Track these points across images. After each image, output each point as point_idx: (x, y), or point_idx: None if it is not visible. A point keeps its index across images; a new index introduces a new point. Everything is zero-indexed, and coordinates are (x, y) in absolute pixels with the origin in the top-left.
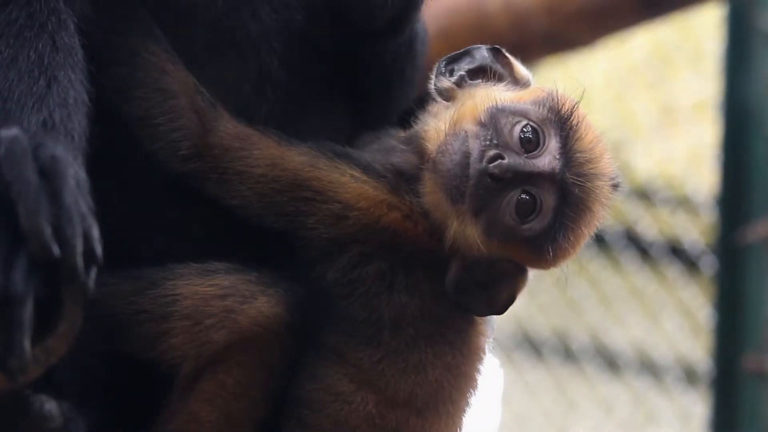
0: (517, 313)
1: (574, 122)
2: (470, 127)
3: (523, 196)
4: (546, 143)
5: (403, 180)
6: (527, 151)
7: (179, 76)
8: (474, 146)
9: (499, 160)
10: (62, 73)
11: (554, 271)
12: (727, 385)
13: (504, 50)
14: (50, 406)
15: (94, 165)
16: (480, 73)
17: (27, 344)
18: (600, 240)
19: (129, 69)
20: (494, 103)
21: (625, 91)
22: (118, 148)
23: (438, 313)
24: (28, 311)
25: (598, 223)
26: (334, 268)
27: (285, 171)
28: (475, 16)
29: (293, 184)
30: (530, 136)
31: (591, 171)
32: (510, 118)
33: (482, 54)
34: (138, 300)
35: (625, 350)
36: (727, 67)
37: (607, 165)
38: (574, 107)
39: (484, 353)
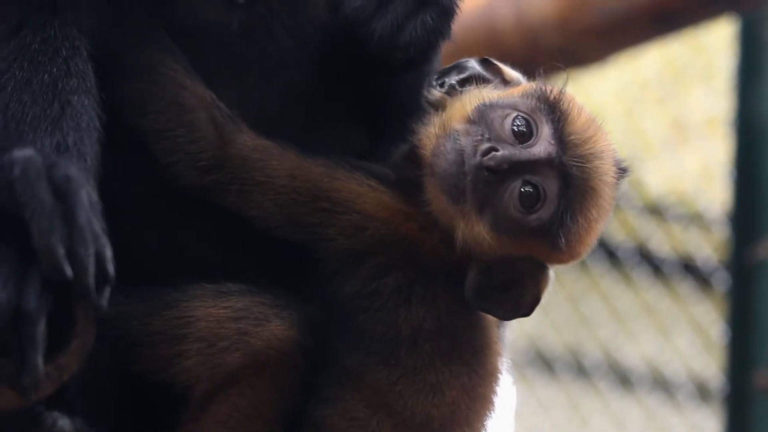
0: (529, 330)
1: (564, 106)
2: (460, 126)
3: (525, 186)
4: (539, 131)
5: (416, 191)
6: (521, 142)
7: (197, 91)
8: (466, 143)
9: (493, 152)
10: (75, 97)
11: (567, 287)
12: (740, 401)
13: (492, 59)
14: (63, 422)
15: (106, 187)
16: (470, 81)
17: (40, 361)
18: (612, 256)
19: (147, 84)
20: (482, 101)
21: (636, 107)
22: (131, 169)
23: (455, 331)
24: (41, 329)
25: (607, 206)
26: (352, 280)
27: (305, 182)
28: (487, 32)
29: (313, 194)
30: (522, 126)
31: (588, 151)
32: (499, 112)
33: (471, 65)
34: (152, 321)
35: (637, 366)
36: (739, 83)
37: (604, 144)
38: (561, 92)
39: (501, 374)
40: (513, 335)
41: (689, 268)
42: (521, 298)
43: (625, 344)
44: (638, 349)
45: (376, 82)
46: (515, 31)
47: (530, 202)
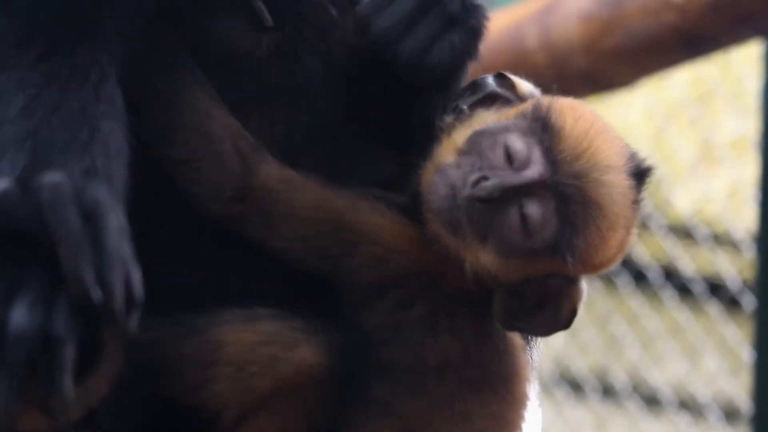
0: (556, 352)
1: (554, 122)
2: (452, 158)
3: (522, 210)
4: (531, 153)
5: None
6: (514, 167)
7: (223, 121)
8: (457, 176)
9: (483, 182)
10: (105, 122)
11: (594, 309)
12: None
13: (507, 73)
14: None
15: (135, 211)
16: (487, 101)
17: (69, 385)
18: (640, 277)
19: (173, 113)
20: (473, 129)
21: (664, 129)
22: (160, 194)
23: (482, 359)
24: (70, 352)
25: (619, 214)
26: (376, 312)
27: (329, 213)
28: (514, 54)
29: (336, 226)
30: (514, 150)
31: (583, 166)
32: (491, 139)
33: (488, 82)
34: (182, 345)
35: (665, 388)
36: (767, 104)
37: (605, 154)
38: (550, 106)
39: (529, 400)
40: (540, 357)
41: (717, 290)
42: (558, 313)
43: (652, 366)
44: (666, 370)
45: (402, 107)
46: (542, 52)
47: (528, 225)
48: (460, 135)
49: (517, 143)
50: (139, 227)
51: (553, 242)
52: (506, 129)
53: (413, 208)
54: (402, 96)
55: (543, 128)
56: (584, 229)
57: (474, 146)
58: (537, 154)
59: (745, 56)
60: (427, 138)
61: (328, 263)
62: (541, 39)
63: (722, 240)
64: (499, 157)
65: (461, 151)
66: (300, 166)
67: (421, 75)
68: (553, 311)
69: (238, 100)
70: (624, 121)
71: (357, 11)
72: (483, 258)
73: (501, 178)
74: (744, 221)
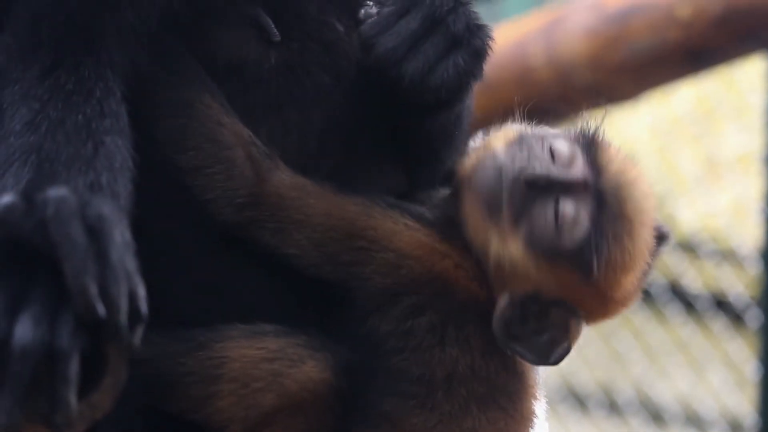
0: (561, 367)
1: (600, 138)
2: (502, 146)
3: (559, 205)
4: (576, 158)
5: (452, 230)
6: (559, 164)
7: (234, 128)
8: (507, 159)
9: (532, 169)
10: (109, 138)
11: (599, 324)
12: None
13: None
14: None
15: (139, 226)
16: None
17: (73, 399)
18: (645, 293)
19: (184, 120)
20: (523, 129)
21: (669, 144)
22: (164, 210)
23: (489, 375)
24: (74, 367)
25: (643, 242)
26: (387, 319)
27: (341, 220)
28: (519, 70)
29: (349, 233)
30: (560, 151)
31: (626, 180)
32: (540, 139)
33: None
34: (186, 361)
35: (670, 403)
36: None
37: (644, 183)
38: (596, 126)
39: (536, 418)
40: (545, 372)
41: (722, 305)
42: (552, 344)
43: (657, 381)
44: (671, 386)
45: (409, 120)
46: (547, 69)
47: (562, 220)
48: (508, 131)
49: (564, 146)
50: (144, 241)
51: (580, 246)
52: (555, 134)
53: (434, 215)
54: (408, 112)
55: (590, 142)
56: (614, 240)
57: (524, 142)
58: (581, 160)
59: (749, 71)
60: (436, 151)
61: (340, 270)
62: (546, 55)
63: (727, 255)
64: (546, 153)
65: (511, 143)
66: (312, 176)
67: (424, 95)
68: (548, 341)
69: (248, 110)
70: (629, 136)
71: (361, 30)
72: (510, 245)
73: (548, 170)
74: (749, 237)
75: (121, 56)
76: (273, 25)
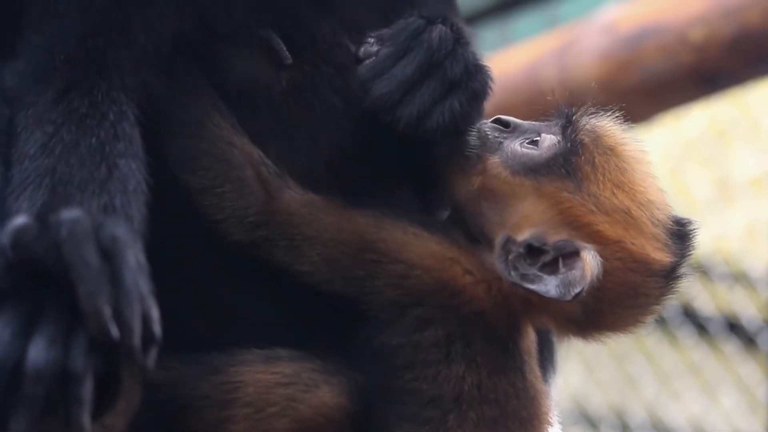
0: (574, 389)
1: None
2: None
3: (529, 136)
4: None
5: (461, 237)
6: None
7: (244, 148)
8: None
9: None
10: (123, 161)
11: (612, 347)
12: None
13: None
14: None
15: (153, 249)
16: None
17: (87, 421)
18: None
19: (195, 140)
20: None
21: (681, 167)
22: (178, 232)
23: (499, 398)
24: (87, 388)
25: (632, 161)
26: (397, 332)
27: (352, 234)
28: (531, 91)
29: (360, 247)
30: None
31: (599, 127)
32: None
33: None
34: (200, 385)
35: (682, 426)
36: None
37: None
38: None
39: None
40: (557, 394)
41: (734, 328)
42: (568, 285)
43: (670, 404)
44: (683, 408)
45: (414, 147)
46: (559, 91)
47: (538, 143)
48: None
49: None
50: (158, 264)
51: (557, 152)
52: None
53: (444, 224)
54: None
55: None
56: (589, 149)
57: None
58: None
59: (762, 94)
60: (443, 173)
61: (353, 285)
62: (559, 78)
63: (740, 278)
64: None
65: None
66: (320, 193)
67: (421, 138)
68: (564, 279)
69: (258, 131)
70: None
71: (358, 71)
72: (493, 171)
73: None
74: (762, 259)
75: (134, 79)
76: (285, 48)
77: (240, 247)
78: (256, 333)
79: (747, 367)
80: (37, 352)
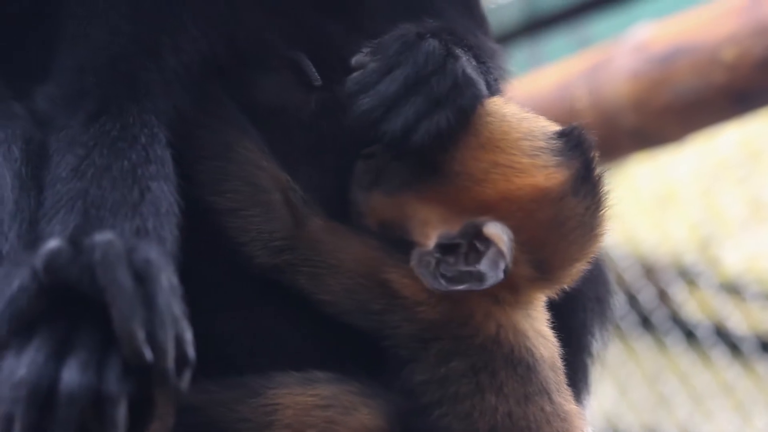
0: (606, 410)
1: None
2: None
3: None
4: None
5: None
6: None
7: (272, 172)
8: None
9: None
10: (155, 183)
11: (644, 367)
12: None
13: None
14: None
15: (186, 271)
16: None
17: None
18: (690, 335)
19: (223, 163)
20: None
21: (714, 186)
22: (211, 254)
23: (530, 425)
24: (122, 411)
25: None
26: (421, 368)
27: (368, 268)
28: (563, 112)
29: (376, 281)
30: None
31: None
32: None
33: None
34: (239, 408)
35: None
36: None
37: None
38: None
39: None
40: (590, 415)
41: (767, 347)
42: (490, 267)
43: (703, 424)
44: (716, 429)
45: None
46: (591, 110)
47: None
48: None
49: None
50: (191, 286)
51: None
52: None
53: None
54: None
55: None
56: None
57: None
58: None
59: None
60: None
61: (372, 319)
62: (590, 97)
63: None
64: None
65: None
66: (347, 218)
67: (406, 153)
68: (486, 264)
69: (287, 153)
70: (673, 179)
71: (345, 84)
72: (373, 200)
73: None
74: None
75: (165, 102)
76: (314, 70)
77: (263, 270)
78: (292, 355)
79: None
80: (71, 375)
